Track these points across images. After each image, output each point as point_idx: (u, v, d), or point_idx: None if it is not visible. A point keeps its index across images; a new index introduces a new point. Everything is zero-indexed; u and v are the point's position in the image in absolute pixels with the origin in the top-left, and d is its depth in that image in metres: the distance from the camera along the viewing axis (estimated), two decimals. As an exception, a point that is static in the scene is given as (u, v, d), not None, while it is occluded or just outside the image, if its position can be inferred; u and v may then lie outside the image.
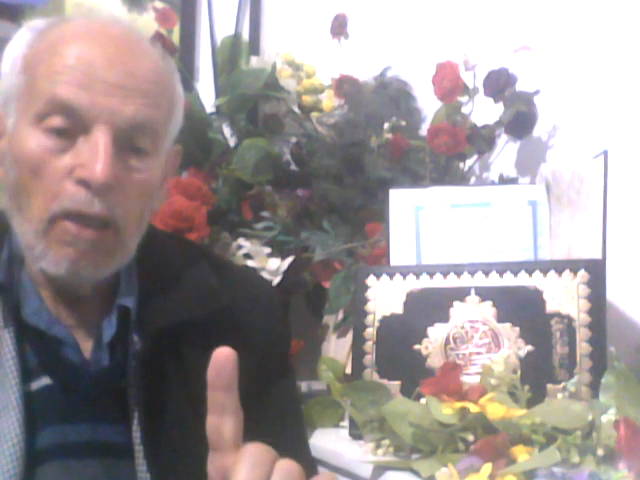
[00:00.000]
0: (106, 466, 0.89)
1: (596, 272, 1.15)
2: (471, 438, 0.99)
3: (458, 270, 1.22)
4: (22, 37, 0.89)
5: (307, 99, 1.75)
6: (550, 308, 1.16)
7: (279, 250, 1.56)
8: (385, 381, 1.19)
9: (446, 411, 1.01)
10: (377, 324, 1.23)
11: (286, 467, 0.64)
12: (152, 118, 0.87)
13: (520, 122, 1.46)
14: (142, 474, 0.89)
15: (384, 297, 1.24)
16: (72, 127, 0.84)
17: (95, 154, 0.82)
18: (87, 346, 0.91)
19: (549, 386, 1.12)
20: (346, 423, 1.24)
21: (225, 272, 1.02)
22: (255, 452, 0.65)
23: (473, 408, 1.01)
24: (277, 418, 1.01)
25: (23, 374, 0.87)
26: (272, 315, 1.04)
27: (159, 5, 1.79)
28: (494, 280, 1.20)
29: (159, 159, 0.90)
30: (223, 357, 0.66)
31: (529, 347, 1.15)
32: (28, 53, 0.87)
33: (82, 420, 0.89)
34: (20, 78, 0.86)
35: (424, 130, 1.54)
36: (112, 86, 0.84)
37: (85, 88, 0.83)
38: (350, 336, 1.37)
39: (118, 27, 0.89)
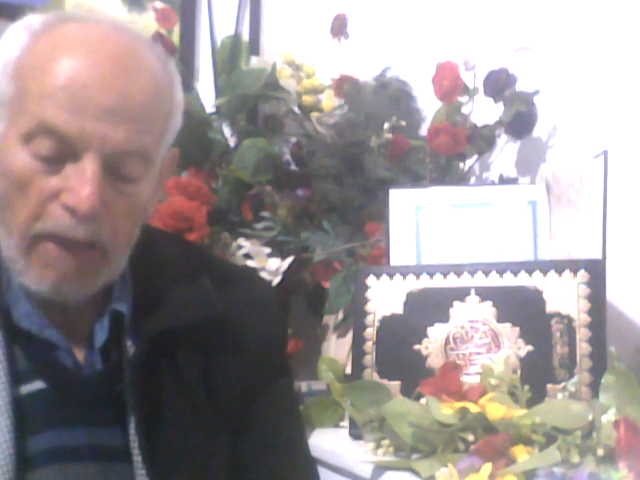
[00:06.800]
0: (103, 469, 0.89)
1: (596, 272, 1.15)
2: (471, 438, 0.99)
3: (458, 270, 1.22)
4: (17, 37, 0.85)
5: (307, 99, 1.75)
6: (550, 308, 1.16)
7: (279, 250, 1.56)
8: (385, 381, 1.19)
9: (446, 411, 1.01)
10: (377, 324, 1.23)
11: None
12: (143, 144, 0.84)
13: (520, 122, 1.46)
14: (142, 478, 0.88)
15: (384, 297, 1.24)
16: (60, 152, 0.81)
17: (83, 182, 0.81)
18: (80, 350, 0.91)
19: (549, 386, 1.12)
20: (346, 423, 1.24)
21: (223, 274, 1.02)
22: None
23: (473, 408, 1.01)
24: (275, 419, 1.01)
25: (12, 378, 0.86)
26: (270, 317, 1.03)
27: (159, 5, 1.79)
28: (494, 280, 1.20)
29: (150, 178, 0.88)
30: None
31: (529, 347, 1.15)
32: (21, 58, 0.84)
33: (78, 424, 0.89)
34: (11, 86, 0.83)
35: (424, 130, 1.54)
36: (104, 110, 0.81)
37: (75, 113, 0.80)
38: (350, 336, 1.37)
39: (117, 37, 0.85)
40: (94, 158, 0.81)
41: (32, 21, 0.86)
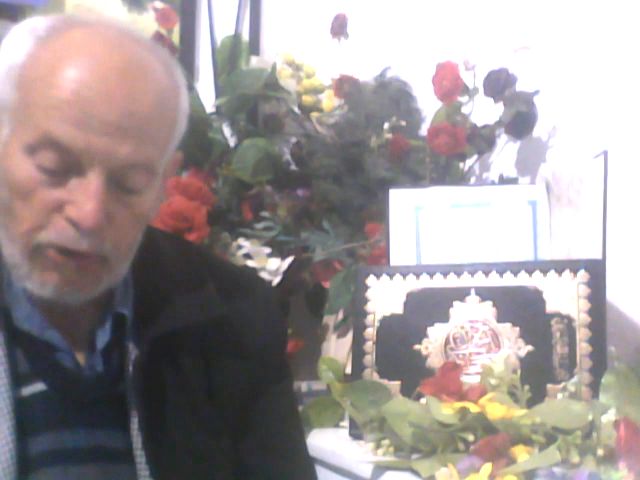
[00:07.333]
0: (104, 471, 0.89)
1: (596, 272, 1.15)
2: (471, 438, 0.99)
3: (458, 270, 1.22)
4: (21, 41, 0.84)
5: (307, 99, 1.75)
6: (550, 308, 1.16)
7: (279, 250, 1.56)
8: (385, 381, 1.19)
9: (446, 411, 1.01)
10: (377, 324, 1.23)
11: None
12: (148, 156, 0.84)
13: (520, 122, 1.46)
14: (145, 479, 0.88)
15: (384, 297, 1.24)
16: (65, 165, 0.81)
17: (87, 196, 0.80)
18: (81, 352, 0.91)
19: (549, 386, 1.12)
20: (346, 423, 1.24)
21: (224, 276, 1.02)
22: None
23: (473, 408, 1.01)
24: (275, 420, 1.01)
25: (13, 380, 0.86)
26: (270, 318, 1.03)
27: (159, 5, 1.79)
28: (494, 280, 1.20)
29: (154, 186, 0.88)
30: None
31: (529, 347, 1.15)
32: (25, 65, 0.82)
33: (78, 425, 0.89)
34: (15, 93, 0.82)
35: (424, 130, 1.54)
36: (109, 125, 0.80)
37: (80, 127, 0.79)
38: (350, 336, 1.37)
39: (123, 45, 0.84)
40: (99, 172, 0.81)
41: (37, 25, 0.85)
